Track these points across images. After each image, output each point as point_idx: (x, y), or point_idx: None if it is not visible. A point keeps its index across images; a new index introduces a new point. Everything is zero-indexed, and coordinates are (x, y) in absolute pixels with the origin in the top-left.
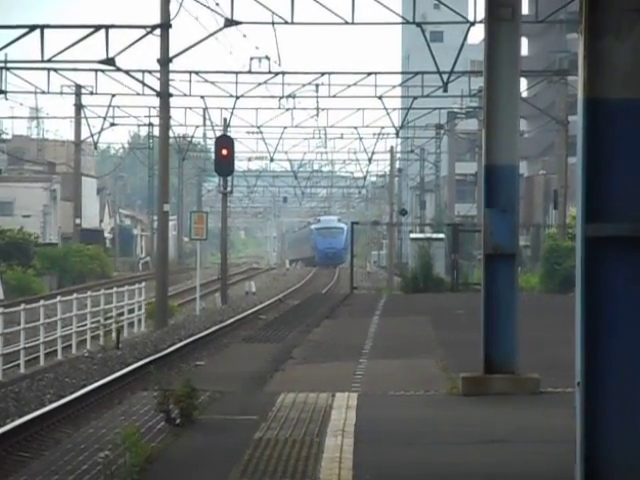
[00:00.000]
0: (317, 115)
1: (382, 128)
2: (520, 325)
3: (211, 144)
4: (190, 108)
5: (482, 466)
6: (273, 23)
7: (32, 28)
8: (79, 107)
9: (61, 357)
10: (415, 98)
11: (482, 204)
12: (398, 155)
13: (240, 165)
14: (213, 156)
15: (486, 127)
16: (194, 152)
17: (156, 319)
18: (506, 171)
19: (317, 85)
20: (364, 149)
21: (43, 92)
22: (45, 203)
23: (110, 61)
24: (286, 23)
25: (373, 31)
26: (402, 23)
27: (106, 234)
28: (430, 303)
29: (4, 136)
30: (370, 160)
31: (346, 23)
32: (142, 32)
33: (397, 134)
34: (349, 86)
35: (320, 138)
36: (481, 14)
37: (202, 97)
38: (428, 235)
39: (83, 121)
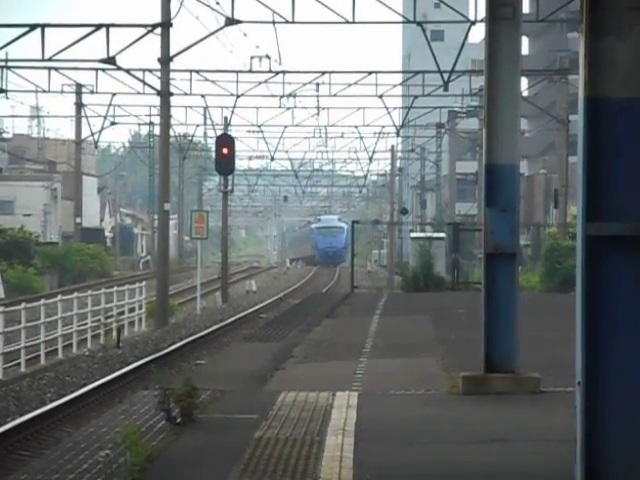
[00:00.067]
0: (318, 114)
1: (383, 127)
2: (520, 324)
3: (212, 143)
4: (191, 107)
5: (482, 465)
6: (274, 22)
7: (33, 27)
8: (80, 106)
9: (62, 356)
10: (416, 97)
11: (483, 203)
12: (399, 154)
13: (241, 164)
14: (214, 155)
15: (487, 126)
16: (195, 151)
17: (157, 318)
18: (507, 170)
19: (318, 84)
20: (365, 148)
21: (44, 91)
22: (46, 202)
23: (111, 60)
24: (287, 22)
25: (374, 30)
26: (403, 22)
27: (107, 233)
28: (431, 302)
29: (5, 135)
30: (371, 159)
31: (347, 22)
32: (143, 31)
33: (398, 133)
34: (350, 85)
35: (321, 137)
36: (482, 13)
37: (203, 96)
38: (429, 234)
39: (84, 120)
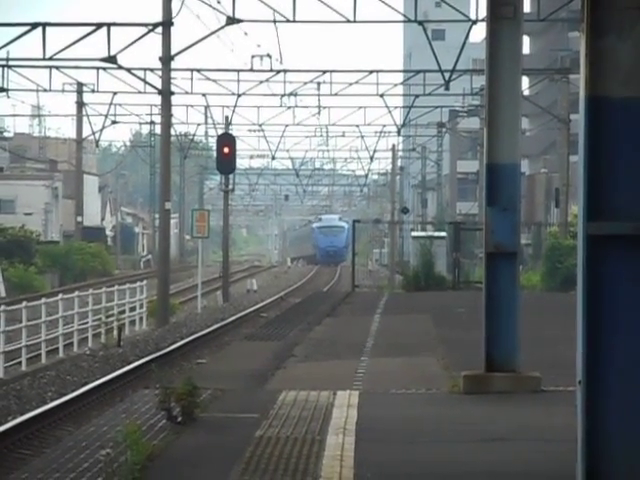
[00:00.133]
0: (319, 113)
1: (384, 126)
2: (521, 323)
3: (213, 142)
4: (192, 106)
5: (483, 464)
6: (275, 21)
7: (34, 26)
8: (81, 105)
9: (63, 355)
10: (417, 96)
11: (484, 202)
12: (400, 153)
13: (242, 163)
14: (215, 154)
15: (488, 125)
16: (196, 150)
17: (158, 317)
18: (508, 169)
19: (319, 83)
20: (366, 147)
21: (45, 90)
22: (47, 201)
23: (112, 59)
24: (288, 21)
25: (375, 29)
26: (404, 21)
27: (108, 232)
28: (431, 301)
29: (6, 134)
30: (372, 158)
31: (348, 21)
32: (144, 30)
33: (399, 132)
34: (351, 84)
35: (322, 136)
36: (483, 12)
37: (204, 95)
38: (430, 233)
39: (85, 119)
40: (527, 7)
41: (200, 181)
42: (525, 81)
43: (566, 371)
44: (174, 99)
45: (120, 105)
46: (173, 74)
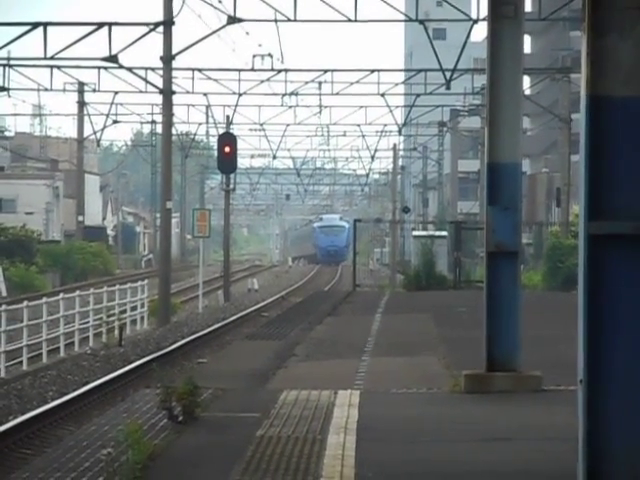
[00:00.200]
0: (320, 112)
1: (385, 125)
2: (522, 323)
3: (214, 141)
4: (193, 105)
5: (484, 464)
6: (276, 20)
7: (35, 25)
8: (82, 104)
9: (64, 354)
10: (418, 96)
11: (485, 202)
12: (401, 153)
13: (243, 162)
14: (216, 153)
15: (489, 125)
16: (197, 149)
17: (159, 316)
18: (509, 169)
19: (320, 82)
20: (367, 146)
21: (46, 89)
22: (48, 200)
23: (113, 58)
24: (289, 20)
25: (376, 28)
26: (405, 20)
27: (109, 231)
28: (432, 301)
29: (7, 133)
30: (373, 158)
31: (349, 20)
32: (145, 29)
33: (400, 132)
34: (352, 84)
35: (323, 135)
36: (484, 12)
37: (205, 94)
38: (431, 233)
39: (86, 118)
40: (528, 6)
41: (201, 180)
42: (526, 80)
43: (567, 370)
44: (175, 98)
45: (121, 104)
46: (174, 73)
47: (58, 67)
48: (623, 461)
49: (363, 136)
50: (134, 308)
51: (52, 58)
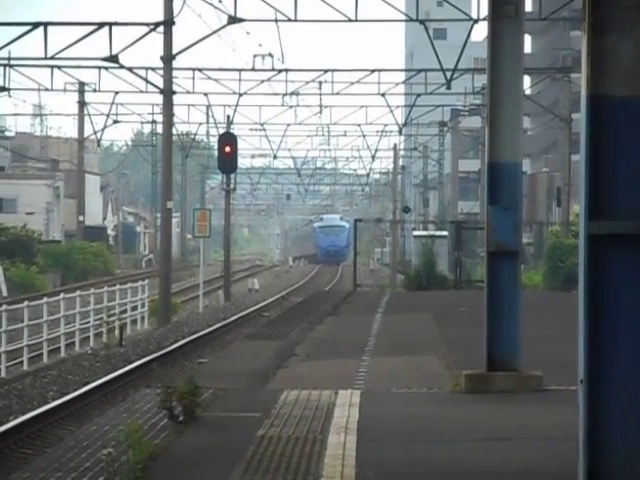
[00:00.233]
0: (320, 112)
1: (385, 125)
2: (523, 322)
3: (214, 141)
4: (193, 105)
5: (485, 463)
6: (276, 20)
7: (35, 25)
8: (82, 104)
9: (64, 354)
10: (418, 95)
11: (485, 201)
12: (401, 152)
13: (243, 162)
14: (216, 153)
15: (489, 124)
16: (197, 149)
17: (159, 316)
18: (509, 168)
19: (320, 82)
20: (367, 146)
21: (46, 89)
22: (48, 200)
23: (113, 58)
24: (289, 20)
25: (376, 28)
26: (405, 20)
27: (109, 231)
28: (433, 300)
29: (8, 133)
30: (373, 157)
31: (349, 20)
32: (145, 29)
33: (400, 131)
34: (352, 83)
35: (323, 135)
36: (484, 11)
37: (205, 94)
38: (431, 232)
39: (86, 118)
40: (529, 6)
41: (202, 180)
42: (527, 80)
43: (568, 370)
44: (176, 98)
45: (122, 104)
46: (175, 73)
47: (59, 67)
48: (623, 460)
49: (364, 136)
50: (134, 308)
51: (52, 58)
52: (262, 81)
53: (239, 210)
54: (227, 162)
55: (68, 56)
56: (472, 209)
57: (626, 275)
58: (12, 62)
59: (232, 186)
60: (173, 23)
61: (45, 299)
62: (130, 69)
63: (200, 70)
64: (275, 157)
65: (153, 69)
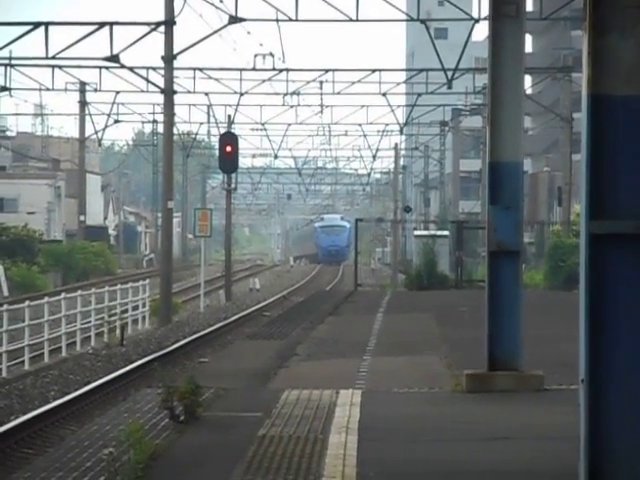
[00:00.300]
0: (321, 112)
1: (386, 125)
2: (524, 322)
3: (215, 141)
4: (194, 105)
5: (486, 463)
6: (277, 20)
7: (36, 25)
8: (83, 104)
9: (65, 354)
10: (419, 95)
11: (486, 201)
12: (402, 152)
13: (244, 162)
14: (217, 153)
15: (490, 124)
16: (198, 149)
17: (160, 316)
18: (510, 168)
19: (321, 82)
20: (368, 146)
21: (47, 89)
22: (49, 200)
23: (114, 58)
24: (290, 20)
25: (377, 28)
26: (406, 20)
27: (110, 231)
28: (434, 300)
29: (9, 133)
30: (374, 157)
31: (350, 20)
32: (146, 29)
33: (401, 131)
34: (353, 83)
35: (324, 135)
36: (485, 11)
37: (206, 94)
38: (432, 232)
39: (87, 118)
40: (529, 6)
41: (203, 180)
42: (528, 80)
43: (569, 370)
44: (177, 98)
45: (123, 104)
46: (176, 73)
47: (60, 67)
48: (625, 460)
49: (365, 135)
50: (135, 308)
51: (54, 58)
52: (263, 81)
53: (240, 210)
54: (228, 162)
55: (69, 56)
56: (473, 209)
57: (627, 275)
58: (13, 62)
59: (233, 186)
60: (174, 23)
61: (46, 299)
62: (131, 69)
63: (201, 70)
64: (276, 157)
65: (154, 69)
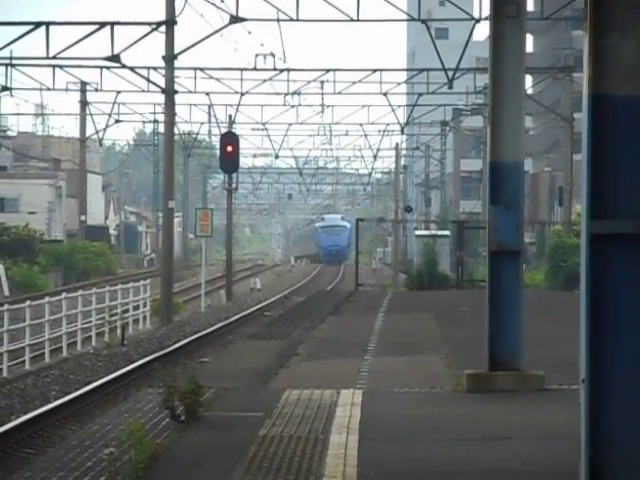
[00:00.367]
0: (322, 112)
1: (387, 125)
2: (525, 322)
3: (216, 141)
4: (195, 105)
5: (487, 463)
6: (278, 20)
7: (37, 25)
8: (84, 104)
9: (66, 354)
10: (420, 95)
11: (487, 201)
12: (403, 152)
13: (245, 162)
14: (218, 153)
15: (491, 124)
16: (199, 149)
17: (161, 316)
18: (511, 168)
19: (322, 82)
20: (369, 146)
21: (48, 89)
22: (50, 200)
23: (115, 58)
24: (291, 20)
25: (378, 28)
26: (407, 20)
27: (111, 231)
28: (435, 300)
29: (10, 133)
30: (375, 157)
31: (351, 20)
32: (147, 29)
33: (402, 131)
34: (354, 83)
35: (325, 135)
36: (486, 11)
37: (207, 94)
38: (433, 232)
39: (88, 118)
40: (530, 6)
41: (203, 180)
42: (528, 79)
43: (570, 370)
44: (178, 98)
45: (123, 104)
46: (177, 73)
47: (60, 67)
48: (625, 460)
49: (365, 135)
50: (136, 307)
51: (54, 58)
52: (264, 81)
53: (241, 210)
54: (229, 161)
55: (70, 56)
56: (474, 208)
57: (628, 274)
58: (14, 62)
59: (234, 186)
60: (175, 23)
61: (47, 299)
62: (132, 69)
63: (202, 70)
64: (277, 157)
65: (155, 69)
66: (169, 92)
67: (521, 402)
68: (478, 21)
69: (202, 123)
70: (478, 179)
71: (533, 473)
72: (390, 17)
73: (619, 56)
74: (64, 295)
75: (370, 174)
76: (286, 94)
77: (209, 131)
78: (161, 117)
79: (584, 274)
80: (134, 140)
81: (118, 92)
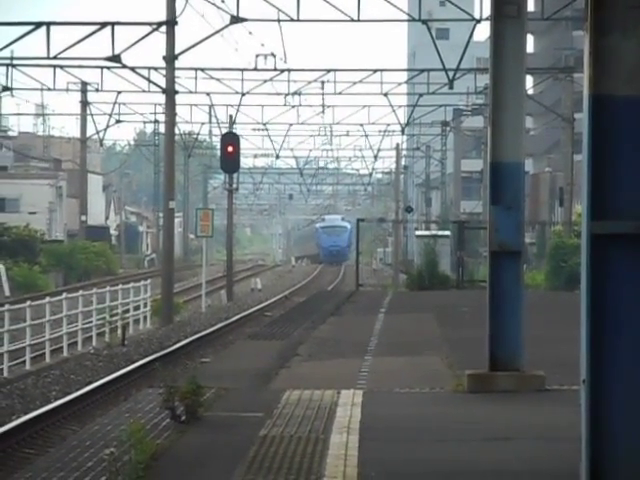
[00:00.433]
0: (323, 112)
1: (388, 125)
2: (525, 322)
3: (217, 141)
4: (196, 105)
5: (487, 463)
6: (279, 20)
7: (38, 25)
8: (85, 104)
9: (67, 354)
10: (421, 95)
11: (488, 201)
12: (404, 152)
13: (246, 162)
14: (219, 153)
15: (492, 124)
16: (200, 149)
17: (162, 316)
18: (512, 168)
19: (323, 82)
20: (370, 146)
21: (49, 89)
22: (51, 200)
23: (116, 58)
24: (292, 20)
25: (379, 28)
26: (408, 20)
27: (112, 231)
28: (435, 300)
29: (10, 133)
30: (376, 157)
31: (352, 20)
32: (148, 29)
33: (403, 131)
34: (355, 83)
35: (326, 135)
36: (487, 11)
37: (208, 94)
38: (434, 232)
39: (89, 118)
40: (531, 6)
41: (204, 180)
42: (529, 80)
43: (570, 370)
44: (178, 98)
45: (124, 104)
46: (177, 73)
47: (61, 67)
48: (626, 461)
49: (366, 136)
50: (137, 308)
51: (55, 58)
52: (264, 81)
53: (241, 210)
54: (229, 162)
55: (70, 56)
56: (474, 209)
57: (628, 275)
58: (15, 62)
59: (234, 186)
60: (176, 23)
61: (47, 299)
62: (132, 69)
63: (202, 70)
64: (277, 157)
65: (155, 69)
66: (170, 92)
67: (522, 402)
68: (479, 21)
69: (203, 123)
70: (479, 179)
71: (534, 473)
72: (391, 17)
73: (620, 56)
74: (65, 295)
75: (371, 174)
76: (287, 94)
77: (210, 131)
78: (162, 117)
79: (585, 274)
80: (135, 140)
81: (119, 92)
